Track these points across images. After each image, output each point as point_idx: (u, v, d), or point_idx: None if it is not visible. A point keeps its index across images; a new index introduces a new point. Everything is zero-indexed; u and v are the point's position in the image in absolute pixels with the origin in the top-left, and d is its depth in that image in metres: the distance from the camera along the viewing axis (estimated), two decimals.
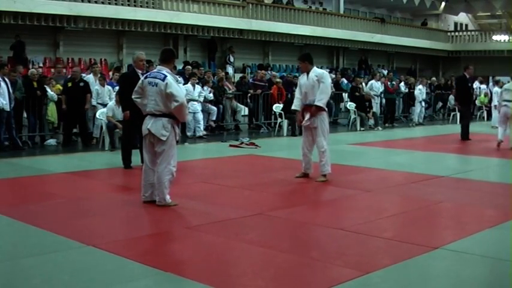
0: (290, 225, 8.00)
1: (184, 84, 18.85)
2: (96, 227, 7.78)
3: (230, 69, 30.38)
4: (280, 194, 10.11)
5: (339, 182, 11.16)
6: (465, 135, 19.02)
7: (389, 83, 25.78)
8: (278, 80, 22.88)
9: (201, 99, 19.40)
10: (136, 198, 9.23)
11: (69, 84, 16.68)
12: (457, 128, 21.04)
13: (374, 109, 23.71)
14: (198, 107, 19.13)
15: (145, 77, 9.03)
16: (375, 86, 25.32)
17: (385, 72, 35.79)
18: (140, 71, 12.04)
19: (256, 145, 16.58)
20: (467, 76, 19.53)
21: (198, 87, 19.44)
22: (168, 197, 8.84)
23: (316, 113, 11.01)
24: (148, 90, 8.82)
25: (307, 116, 11.18)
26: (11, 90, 15.40)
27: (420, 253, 6.54)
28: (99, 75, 17.76)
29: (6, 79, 15.45)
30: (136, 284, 5.68)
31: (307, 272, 5.96)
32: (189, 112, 18.29)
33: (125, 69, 23.20)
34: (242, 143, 17.03)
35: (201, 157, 14.51)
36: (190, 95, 18.60)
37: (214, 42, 32.20)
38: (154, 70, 9.22)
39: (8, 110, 15.25)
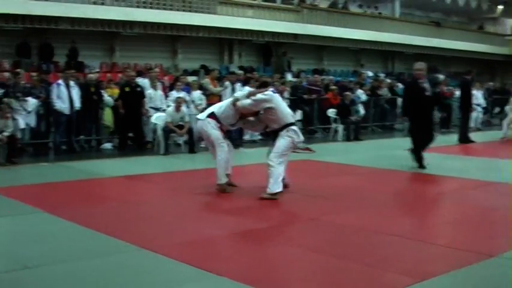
0: (344, 231, 7.94)
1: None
2: (151, 231, 7.83)
3: (289, 76, 30.21)
4: (334, 199, 10.04)
5: (392, 187, 11.09)
6: (464, 138, 19.24)
7: (445, 88, 25.46)
8: (333, 87, 22.70)
9: None
10: (191, 202, 9.28)
11: (127, 89, 16.83)
12: None
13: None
14: None
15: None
16: None
17: (442, 77, 35.38)
18: (421, 80, 12.98)
19: (311, 150, 16.50)
20: (470, 80, 19.60)
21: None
22: None
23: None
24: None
25: None
26: (73, 95, 15.63)
27: (476, 261, 6.43)
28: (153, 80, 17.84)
29: (72, 83, 15.77)
30: (191, 287, 5.70)
31: (360, 278, 5.92)
32: None
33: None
34: (297, 148, 16.92)
35: (256, 162, 14.48)
36: None
37: (269, 47, 32.19)
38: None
39: (68, 113, 15.48)
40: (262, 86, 10.75)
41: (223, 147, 10.27)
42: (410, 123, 13.53)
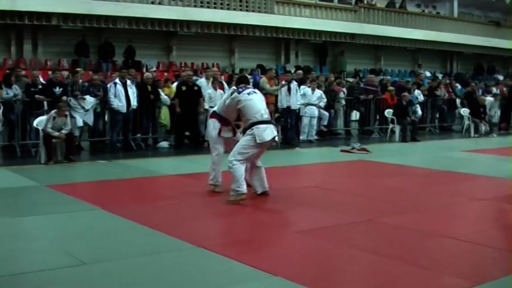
0: (400, 232, 7.85)
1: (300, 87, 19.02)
2: (206, 229, 7.85)
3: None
4: (390, 200, 9.93)
5: (450, 189, 10.92)
6: None
7: (505, 88, 25.06)
8: (391, 88, 22.44)
9: (322, 104, 19.34)
10: (247, 202, 9.26)
11: (183, 88, 16.88)
12: None
13: None
14: (315, 111, 19.12)
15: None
16: None
17: (501, 77, 34.88)
18: None
19: (368, 150, 16.39)
20: None
21: (318, 92, 19.36)
22: None
23: None
24: None
25: None
26: (130, 93, 15.77)
27: None
28: (212, 79, 17.80)
29: (129, 82, 15.92)
30: (246, 286, 5.69)
31: (417, 281, 5.84)
32: (306, 116, 18.44)
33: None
34: (353, 148, 16.82)
35: (312, 162, 14.43)
36: (309, 99, 18.75)
37: (325, 47, 32.06)
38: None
39: (124, 112, 15.61)
40: (237, 83, 10.22)
41: (217, 149, 10.30)
42: None
